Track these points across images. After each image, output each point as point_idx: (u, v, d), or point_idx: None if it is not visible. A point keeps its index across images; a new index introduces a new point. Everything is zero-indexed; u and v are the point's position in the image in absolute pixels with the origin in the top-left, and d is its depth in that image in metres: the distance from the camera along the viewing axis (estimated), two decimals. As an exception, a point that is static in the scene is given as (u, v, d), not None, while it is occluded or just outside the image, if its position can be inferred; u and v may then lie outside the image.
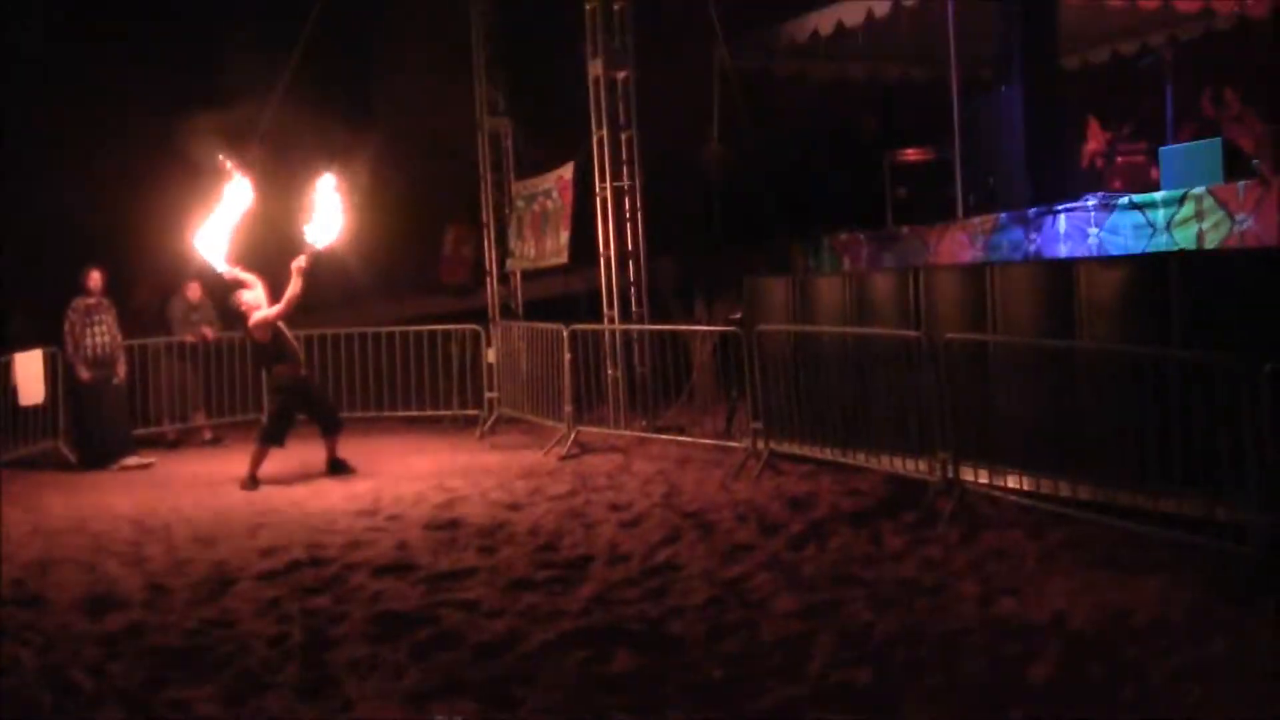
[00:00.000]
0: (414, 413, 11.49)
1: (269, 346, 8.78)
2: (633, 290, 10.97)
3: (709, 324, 10.94)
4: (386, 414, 11.44)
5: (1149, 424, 5.70)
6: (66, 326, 10.02)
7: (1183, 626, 4.55)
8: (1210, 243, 7.74)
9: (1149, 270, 6.39)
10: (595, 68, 10.82)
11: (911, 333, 7.27)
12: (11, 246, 11.96)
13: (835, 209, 11.86)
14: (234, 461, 9.46)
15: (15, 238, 12.06)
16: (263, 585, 5.92)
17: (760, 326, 8.49)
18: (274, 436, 8.84)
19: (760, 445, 8.28)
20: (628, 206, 11.02)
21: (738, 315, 9.87)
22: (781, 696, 4.20)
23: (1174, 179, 8.52)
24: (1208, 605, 4.74)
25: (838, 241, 11.02)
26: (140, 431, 10.64)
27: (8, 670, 4.76)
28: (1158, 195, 8.25)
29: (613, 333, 10.69)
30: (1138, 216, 8.22)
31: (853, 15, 11.13)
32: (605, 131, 10.84)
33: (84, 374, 9.98)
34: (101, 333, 10.09)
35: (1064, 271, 6.74)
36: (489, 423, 11.26)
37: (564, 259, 11.48)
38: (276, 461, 8.87)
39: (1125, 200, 8.44)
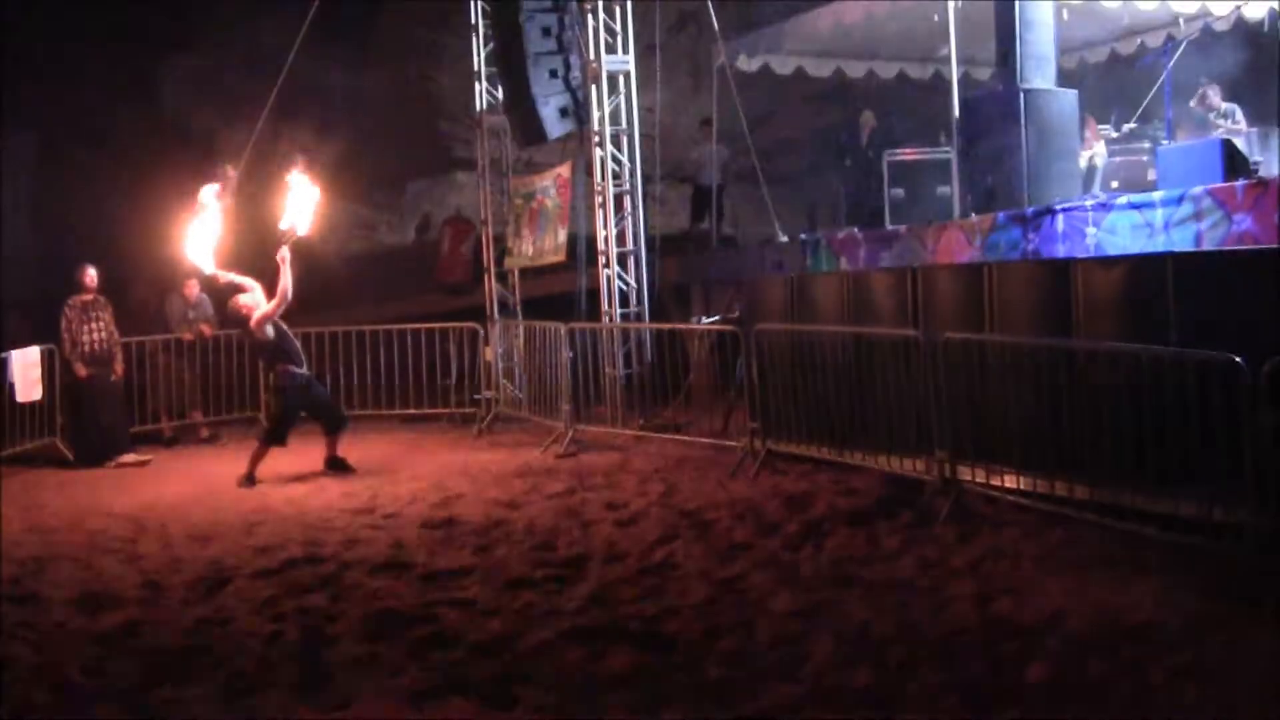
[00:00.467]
0: (412, 411, 11.49)
1: (272, 344, 8.77)
2: (632, 289, 10.97)
3: (707, 323, 10.93)
4: (384, 412, 11.43)
5: (1147, 424, 5.69)
6: (63, 323, 10.01)
7: (1180, 627, 4.54)
8: (1209, 243, 7.74)
9: (1147, 270, 6.38)
10: (595, 66, 10.82)
11: (909, 332, 7.25)
12: (11, 246, 11.96)
13: (834, 208, 11.88)
14: (231, 459, 9.46)
15: (14, 237, 12.06)
16: (259, 583, 5.91)
17: (758, 325, 8.48)
18: (276, 437, 8.82)
19: (758, 444, 8.26)
20: (627, 206, 11.02)
21: (735, 314, 9.87)
22: (778, 695, 4.19)
23: (1172, 179, 8.52)
24: (1205, 606, 4.73)
25: (835, 240, 11.02)
26: (137, 429, 10.63)
27: (3, 667, 4.74)
28: (1156, 195, 8.25)
29: (611, 331, 10.68)
30: (1136, 216, 8.22)
31: (853, 14, 11.14)
32: (605, 130, 10.84)
33: (81, 371, 9.97)
34: (98, 330, 10.09)
35: (1062, 271, 6.74)
36: (487, 421, 11.25)
37: (562, 257, 11.48)
38: (275, 459, 8.86)
39: (1123, 200, 8.44)
